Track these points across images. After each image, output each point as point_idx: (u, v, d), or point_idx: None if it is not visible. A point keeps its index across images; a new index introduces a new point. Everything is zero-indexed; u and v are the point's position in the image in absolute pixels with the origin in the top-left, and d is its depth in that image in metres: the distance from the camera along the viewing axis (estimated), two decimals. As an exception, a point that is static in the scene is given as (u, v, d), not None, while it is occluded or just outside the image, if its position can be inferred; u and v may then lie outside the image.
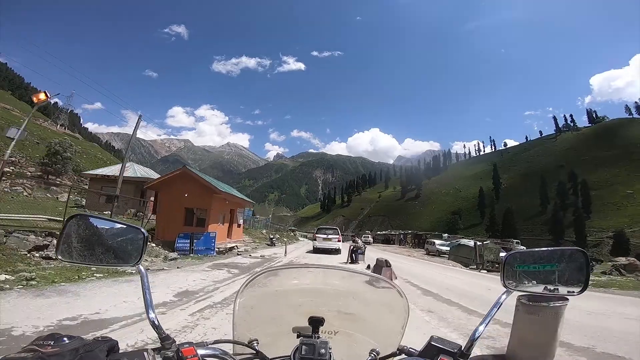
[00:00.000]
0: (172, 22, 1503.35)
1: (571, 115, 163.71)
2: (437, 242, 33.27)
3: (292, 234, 62.48)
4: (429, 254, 31.25)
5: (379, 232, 79.86)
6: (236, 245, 18.13)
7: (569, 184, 77.08)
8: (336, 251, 18.96)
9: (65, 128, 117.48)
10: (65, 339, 0.62)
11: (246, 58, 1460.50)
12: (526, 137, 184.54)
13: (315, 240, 19.85)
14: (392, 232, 72.47)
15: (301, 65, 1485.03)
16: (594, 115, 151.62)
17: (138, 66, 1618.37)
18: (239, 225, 23.53)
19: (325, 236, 19.33)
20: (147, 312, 0.83)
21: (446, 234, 48.95)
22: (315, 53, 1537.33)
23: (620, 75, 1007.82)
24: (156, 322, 0.80)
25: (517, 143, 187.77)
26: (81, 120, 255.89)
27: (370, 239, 51.21)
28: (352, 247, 15.94)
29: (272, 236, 29.99)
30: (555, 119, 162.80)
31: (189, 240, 14.80)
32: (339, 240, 19.36)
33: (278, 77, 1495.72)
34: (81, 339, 0.64)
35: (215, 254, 14.90)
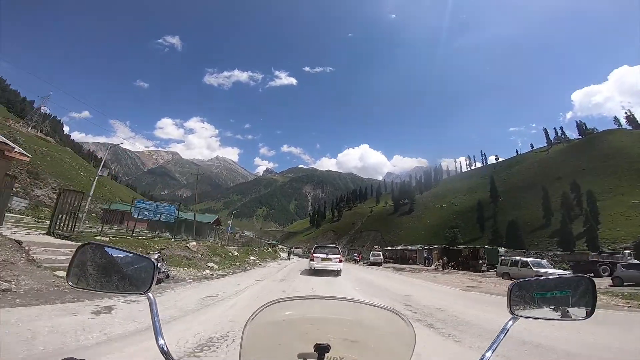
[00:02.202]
0: (166, 32, 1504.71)
1: (561, 128, 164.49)
2: (539, 263, 18.73)
3: (269, 249, 54.57)
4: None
5: (389, 248, 61.87)
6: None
7: (572, 195, 73.25)
8: (337, 273, 16.41)
9: (37, 131, 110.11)
10: None
11: (238, 72, 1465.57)
12: (517, 151, 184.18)
13: (312, 260, 16.81)
14: (410, 248, 53.81)
15: (293, 80, 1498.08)
16: (584, 127, 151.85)
17: (129, 76, 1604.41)
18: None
19: (324, 256, 16.69)
20: (157, 339, 0.83)
21: (503, 248, 36.06)
22: (307, 68, 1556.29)
23: (600, 90, 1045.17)
24: (165, 349, 0.81)
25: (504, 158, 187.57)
26: (64, 126, 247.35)
27: (381, 258, 40.80)
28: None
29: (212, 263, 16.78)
30: (546, 131, 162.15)
31: None
32: (340, 261, 16.75)
33: (269, 92, 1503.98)
34: None
35: None
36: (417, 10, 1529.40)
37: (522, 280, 1.04)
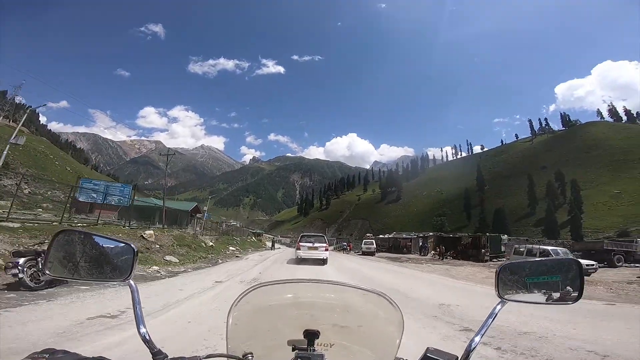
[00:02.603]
0: (149, 20, 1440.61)
1: (546, 119, 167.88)
2: (560, 251, 18.21)
3: (253, 239, 51.15)
4: None
5: (382, 236, 56.70)
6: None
7: (557, 184, 74.43)
8: (323, 262, 16.37)
9: (10, 120, 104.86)
10: (59, 354, 0.61)
11: (224, 60, 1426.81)
12: (502, 141, 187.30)
13: (299, 249, 16.91)
14: (404, 236, 49.92)
15: (280, 69, 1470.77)
16: (568, 119, 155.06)
17: (109, 64, 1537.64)
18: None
19: (310, 244, 16.79)
20: (138, 328, 0.81)
21: (506, 236, 35.19)
22: (295, 57, 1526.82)
23: (583, 84, 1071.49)
24: (147, 337, 0.80)
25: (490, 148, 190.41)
26: (40, 117, 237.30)
27: (374, 247, 37.62)
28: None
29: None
30: (530, 122, 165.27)
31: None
32: (326, 249, 16.91)
33: (256, 80, 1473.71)
34: (76, 355, 0.63)
35: None
36: (407, 1, 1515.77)
37: (511, 262, 1.04)
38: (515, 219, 71.26)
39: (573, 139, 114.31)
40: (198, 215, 44.50)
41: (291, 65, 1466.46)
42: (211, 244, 21.46)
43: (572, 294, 0.96)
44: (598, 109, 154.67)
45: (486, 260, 25.45)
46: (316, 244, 16.94)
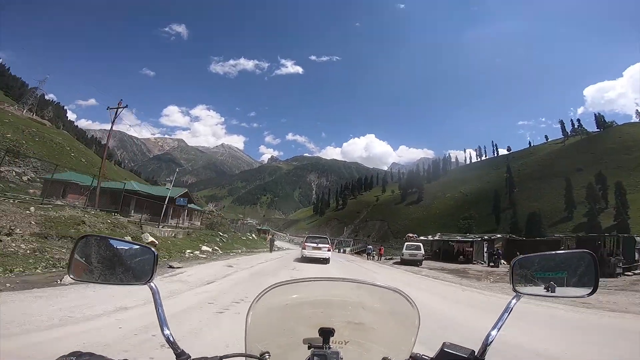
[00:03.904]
0: (173, 20, 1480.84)
1: (578, 120, 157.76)
2: None
3: (252, 236, 43.34)
4: None
5: (423, 238, 40.59)
6: None
7: (597, 187, 68.02)
8: (325, 260, 17.90)
9: (33, 114, 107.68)
10: (86, 356, 0.63)
11: (244, 60, 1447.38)
12: (529, 142, 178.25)
13: (304, 249, 18.75)
14: (459, 238, 36.35)
15: (299, 69, 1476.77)
16: (602, 120, 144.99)
17: (136, 64, 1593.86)
18: None
19: (314, 245, 18.54)
20: (162, 329, 0.83)
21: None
22: (313, 57, 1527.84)
23: (614, 86, 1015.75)
24: (171, 339, 0.81)
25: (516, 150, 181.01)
26: (67, 112, 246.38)
27: (421, 253, 26.44)
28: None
29: None
30: (562, 123, 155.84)
31: None
32: (329, 250, 18.57)
33: (275, 80, 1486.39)
34: (102, 357, 0.64)
35: None
36: (427, 1, 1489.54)
37: (524, 256, 1.02)
38: (550, 223, 65.55)
39: (610, 140, 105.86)
40: (191, 205, 38.62)
41: (309, 66, 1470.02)
42: (151, 239, 14.76)
43: (587, 286, 0.94)
44: (637, 110, 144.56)
45: (618, 274, 17.36)
46: (320, 245, 18.48)
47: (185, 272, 9.74)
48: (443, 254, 33.43)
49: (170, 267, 10.38)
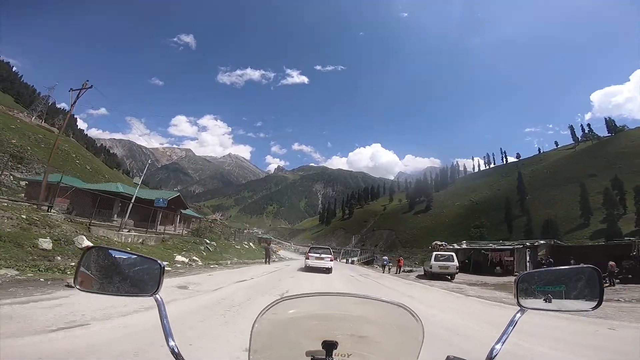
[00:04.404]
0: (181, 31, 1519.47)
1: (588, 125, 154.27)
2: None
3: (250, 245, 37.94)
4: None
5: (463, 246, 34.84)
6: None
7: (614, 192, 65.46)
8: (328, 270, 18.51)
9: (42, 121, 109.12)
10: None
11: (251, 70, 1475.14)
12: (538, 149, 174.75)
13: (308, 259, 19.52)
14: (493, 246, 30.94)
15: (304, 79, 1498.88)
16: (613, 124, 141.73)
17: (145, 74, 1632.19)
18: None
19: (317, 255, 19.40)
20: (167, 341, 0.84)
21: None
22: (318, 67, 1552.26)
23: (621, 90, 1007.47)
24: (176, 350, 0.82)
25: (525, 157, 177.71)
26: (77, 121, 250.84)
27: (454, 265, 21.92)
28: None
29: None
30: (572, 128, 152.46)
31: None
32: (331, 260, 19.29)
33: (281, 90, 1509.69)
34: None
35: None
36: (430, 9, 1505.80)
37: (529, 272, 1.06)
38: (565, 230, 63.01)
39: (622, 144, 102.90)
40: (184, 211, 36.11)
41: (315, 76, 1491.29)
42: (87, 243, 11.27)
43: (591, 301, 0.96)
44: None
45: None
46: (323, 255, 19.35)
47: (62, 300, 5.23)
48: (474, 265, 28.67)
49: (68, 286, 6.34)
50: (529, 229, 67.94)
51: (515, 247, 27.86)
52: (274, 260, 33.12)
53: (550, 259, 23.27)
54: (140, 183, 24.36)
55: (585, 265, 1.02)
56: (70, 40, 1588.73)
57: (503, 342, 0.87)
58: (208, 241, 23.02)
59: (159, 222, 22.37)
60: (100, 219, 15.17)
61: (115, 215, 19.87)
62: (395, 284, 17.45)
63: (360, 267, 44.56)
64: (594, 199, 68.37)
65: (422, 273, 26.20)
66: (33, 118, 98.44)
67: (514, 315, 0.93)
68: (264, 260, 27.05)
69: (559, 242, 33.68)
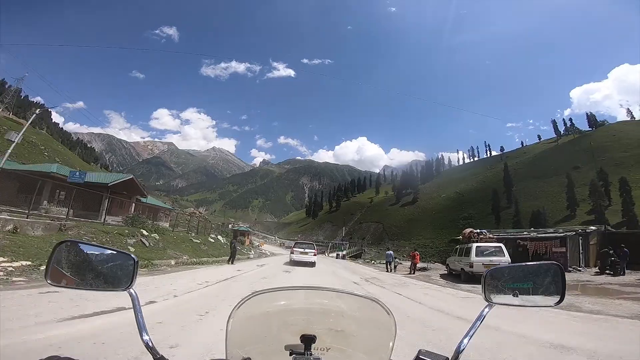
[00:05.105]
0: (163, 23, 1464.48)
1: (570, 119, 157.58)
2: None
3: (218, 238, 30.48)
4: None
5: (503, 235, 28.49)
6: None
7: (599, 184, 65.99)
8: (312, 264, 20.16)
9: (10, 113, 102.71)
10: None
11: (236, 63, 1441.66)
12: (522, 143, 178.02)
13: (292, 253, 20.89)
14: (534, 235, 26.09)
15: (291, 72, 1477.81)
16: (594, 119, 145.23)
17: (125, 67, 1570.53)
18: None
19: (302, 250, 20.86)
20: (141, 335, 0.83)
21: None
22: (305, 60, 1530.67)
23: (599, 88, 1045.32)
24: (150, 344, 0.81)
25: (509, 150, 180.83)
26: (52, 115, 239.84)
27: (506, 260, 15.44)
28: None
29: None
30: (554, 122, 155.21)
31: None
32: (314, 255, 20.79)
33: (267, 83, 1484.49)
34: None
35: None
36: (417, 4, 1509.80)
37: (495, 268, 1.08)
38: (553, 222, 63.09)
39: (604, 138, 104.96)
40: (147, 201, 31.67)
41: (302, 69, 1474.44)
42: None
43: (555, 297, 1.00)
44: (628, 109, 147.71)
45: None
46: (307, 250, 21.00)
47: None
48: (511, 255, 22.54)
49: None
50: (517, 220, 67.81)
51: (567, 234, 22.71)
52: (248, 258, 29.38)
53: (626, 249, 17.79)
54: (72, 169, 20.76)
55: (550, 262, 1.06)
56: (44, 32, 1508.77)
57: (471, 337, 0.88)
58: (145, 232, 17.55)
59: (105, 211, 18.30)
60: (25, 206, 12.23)
61: (46, 202, 16.85)
62: (441, 301, 9.92)
63: (355, 264, 40.73)
64: (579, 191, 68.87)
65: (445, 272, 21.84)
66: (0, 110, 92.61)
67: (482, 310, 0.95)
68: (240, 258, 23.36)
69: (610, 228, 29.76)
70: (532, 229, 34.36)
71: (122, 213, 21.54)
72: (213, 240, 27.68)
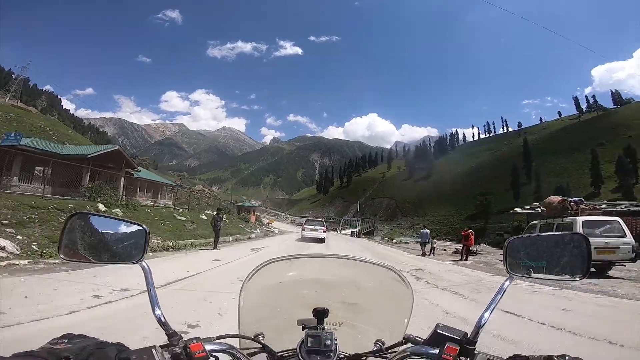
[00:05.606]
0: (165, 6, 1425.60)
1: (594, 97, 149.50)
2: None
3: (202, 216, 23.49)
4: None
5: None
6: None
7: (627, 160, 63.11)
8: (321, 240, 21.70)
9: (17, 101, 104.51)
10: (78, 338, 0.63)
11: (242, 43, 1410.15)
12: (540, 119, 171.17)
13: (304, 230, 22.88)
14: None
15: (298, 50, 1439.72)
16: (620, 96, 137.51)
17: (130, 52, 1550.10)
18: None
19: (312, 227, 22.75)
20: (153, 309, 0.82)
21: None
22: (312, 38, 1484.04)
23: (623, 67, 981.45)
24: (162, 319, 0.80)
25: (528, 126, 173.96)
26: (62, 101, 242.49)
27: (629, 243, 10.54)
28: None
29: None
30: (576, 99, 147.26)
31: None
32: (324, 231, 22.61)
33: (274, 62, 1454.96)
34: (94, 339, 0.64)
35: None
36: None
37: (518, 237, 1.01)
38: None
39: (631, 115, 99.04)
40: (137, 173, 27.80)
41: (309, 46, 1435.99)
42: None
43: (579, 269, 0.92)
44: None
45: None
46: (317, 227, 22.71)
47: None
48: None
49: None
50: (539, 197, 65.82)
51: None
52: (249, 238, 25.25)
53: None
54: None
55: (574, 232, 1.01)
56: (49, 20, 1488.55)
57: (491, 311, 0.83)
58: (102, 207, 13.77)
59: (86, 185, 16.22)
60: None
61: (16, 179, 15.44)
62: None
63: (373, 242, 36.87)
64: (603, 167, 66.18)
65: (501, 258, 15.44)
66: (7, 98, 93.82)
67: (503, 283, 0.88)
68: (234, 241, 20.72)
69: None
70: (608, 202, 28.90)
71: (113, 187, 18.70)
72: (206, 217, 22.98)
